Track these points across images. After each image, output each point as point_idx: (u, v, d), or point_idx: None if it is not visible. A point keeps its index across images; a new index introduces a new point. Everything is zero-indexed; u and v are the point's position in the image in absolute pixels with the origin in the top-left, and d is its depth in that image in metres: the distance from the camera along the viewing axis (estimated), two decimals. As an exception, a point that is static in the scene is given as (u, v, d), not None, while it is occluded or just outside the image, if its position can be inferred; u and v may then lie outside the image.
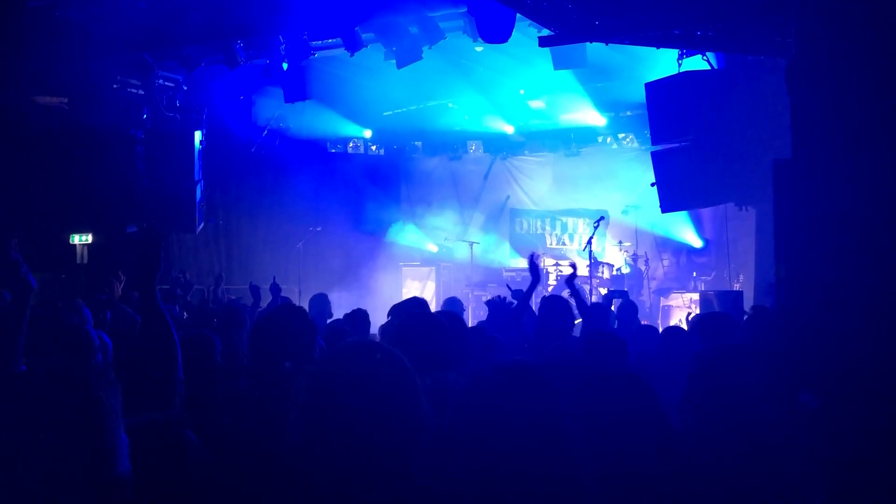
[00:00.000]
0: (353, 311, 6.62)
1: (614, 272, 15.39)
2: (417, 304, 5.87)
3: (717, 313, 6.83)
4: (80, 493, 1.89)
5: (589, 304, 7.63)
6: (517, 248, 18.47)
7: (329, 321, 7.20)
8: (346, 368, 2.04)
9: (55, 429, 1.90)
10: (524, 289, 6.87)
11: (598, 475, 2.95)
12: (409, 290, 16.64)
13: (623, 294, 11.13)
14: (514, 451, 2.07)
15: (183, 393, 3.05)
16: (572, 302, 7.58)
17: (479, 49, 13.01)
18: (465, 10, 10.65)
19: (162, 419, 2.63)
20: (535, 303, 7.15)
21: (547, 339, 5.63)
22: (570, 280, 7.00)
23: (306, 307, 7.45)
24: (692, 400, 3.47)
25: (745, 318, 5.77)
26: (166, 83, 12.99)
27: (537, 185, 18.64)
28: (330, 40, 11.76)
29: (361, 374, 2.02)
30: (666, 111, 10.50)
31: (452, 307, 7.55)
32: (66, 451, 1.90)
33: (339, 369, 2.05)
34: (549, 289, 14.70)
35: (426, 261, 17.96)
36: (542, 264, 14.85)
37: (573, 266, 7.25)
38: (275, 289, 8.89)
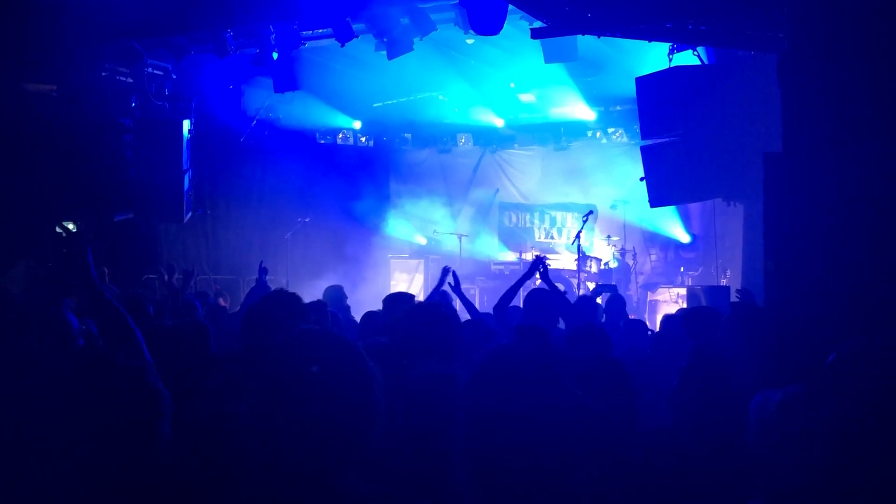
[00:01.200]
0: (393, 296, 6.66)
1: (602, 266, 15.42)
2: (407, 297, 5.91)
3: (704, 308, 6.84)
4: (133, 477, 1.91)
5: (571, 298, 7.60)
6: (506, 242, 18.49)
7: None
8: (297, 356, 2.05)
9: (114, 416, 1.93)
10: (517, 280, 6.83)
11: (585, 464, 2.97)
12: (398, 282, 16.63)
13: (612, 288, 11.15)
14: (521, 433, 2.08)
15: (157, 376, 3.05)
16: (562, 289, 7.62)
17: (470, 41, 13.01)
18: (457, 1, 10.64)
19: None
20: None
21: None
22: (543, 274, 6.91)
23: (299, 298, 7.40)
24: (682, 396, 3.49)
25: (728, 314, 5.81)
26: (155, 71, 12.90)
27: (526, 179, 18.66)
28: (320, 30, 11.70)
29: (311, 362, 2.02)
30: (656, 106, 10.52)
31: (441, 301, 7.58)
32: (121, 438, 1.92)
33: (289, 357, 2.05)
34: (537, 283, 14.72)
35: (415, 253, 17.96)
36: (528, 257, 14.88)
37: (540, 259, 7.10)
38: (262, 272, 8.85)
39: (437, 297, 6.54)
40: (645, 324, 6.86)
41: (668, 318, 6.82)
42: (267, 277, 8.91)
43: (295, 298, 3.36)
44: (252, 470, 1.98)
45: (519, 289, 6.52)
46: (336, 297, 7.85)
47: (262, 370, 2.07)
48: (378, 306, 6.22)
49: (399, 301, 5.43)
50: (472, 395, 2.14)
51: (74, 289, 3.48)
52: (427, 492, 2.66)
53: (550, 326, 5.78)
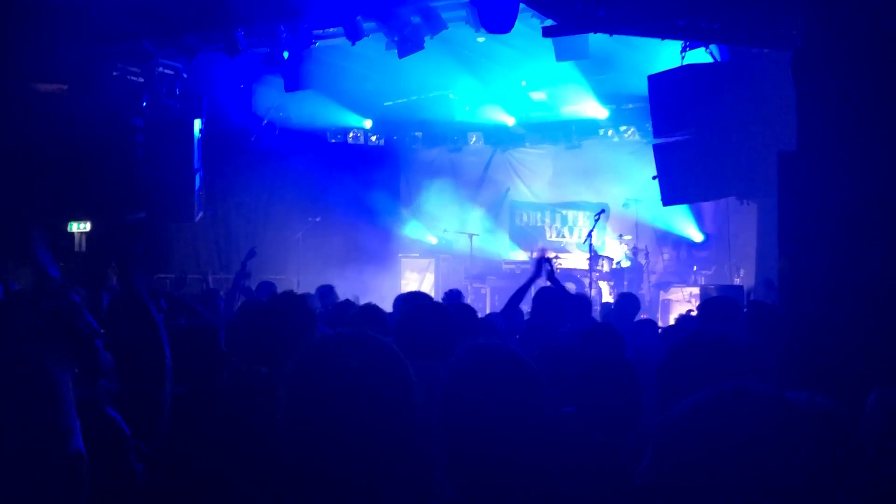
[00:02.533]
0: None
1: (614, 266, 15.35)
2: (419, 296, 5.87)
3: (721, 297, 6.76)
4: (38, 470, 1.88)
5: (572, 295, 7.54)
6: (517, 241, 18.44)
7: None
8: (331, 360, 2.00)
9: (9, 408, 1.89)
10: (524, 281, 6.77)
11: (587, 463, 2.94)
12: (408, 281, 16.61)
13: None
14: (496, 433, 2.05)
15: (171, 375, 3.03)
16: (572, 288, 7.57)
17: (480, 40, 12.96)
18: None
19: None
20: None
21: (539, 332, 5.62)
22: (550, 275, 6.85)
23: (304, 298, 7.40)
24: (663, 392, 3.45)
25: (743, 315, 5.74)
26: (166, 71, 12.93)
27: (537, 178, 18.59)
28: (331, 29, 11.68)
29: (349, 366, 1.98)
30: (668, 104, 10.46)
31: (453, 299, 7.54)
32: (22, 430, 1.88)
33: (323, 361, 2.01)
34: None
35: (425, 252, 17.93)
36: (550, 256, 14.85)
37: (543, 257, 7.00)
38: (249, 255, 8.84)
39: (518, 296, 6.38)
40: (656, 323, 6.80)
41: (682, 319, 6.76)
42: (250, 261, 8.91)
43: (300, 300, 3.34)
44: (289, 475, 1.94)
45: (528, 289, 6.47)
46: (326, 296, 7.83)
47: (300, 376, 2.02)
48: (389, 306, 6.20)
49: (410, 300, 5.41)
50: (449, 394, 2.11)
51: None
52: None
53: (560, 325, 5.74)
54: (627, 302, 7.97)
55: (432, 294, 15.17)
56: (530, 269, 6.81)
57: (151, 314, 3.04)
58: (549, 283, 6.78)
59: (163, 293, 7.97)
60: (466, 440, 2.06)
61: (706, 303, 5.27)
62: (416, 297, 5.55)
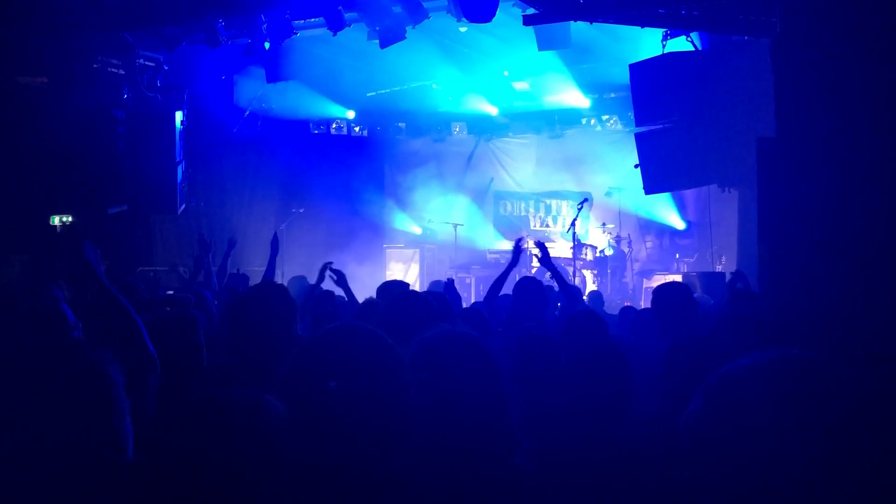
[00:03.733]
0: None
1: (598, 254, 15.42)
2: (400, 284, 5.88)
3: (672, 283, 6.71)
4: (92, 475, 1.85)
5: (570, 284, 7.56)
6: (501, 231, 18.47)
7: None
8: (329, 352, 2.02)
9: (64, 408, 1.86)
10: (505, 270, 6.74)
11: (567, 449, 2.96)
12: (393, 271, 16.60)
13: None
14: (457, 420, 2.07)
15: (158, 371, 3.02)
16: (554, 284, 7.56)
17: (463, 29, 12.95)
18: (450, -11, 10.60)
19: None
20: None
21: (520, 320, 5.64)
22: (546, 260, 6.82)
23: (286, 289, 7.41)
24: (666, 384, 3.48)
25: (723, 301, 5.77)
26: (147, 63, 12.85)
27: (521, 167, 18.63)
28: (312, 19, 11.65)
29: (345, 358, 2.00)
30: (650, 92, 10.51)
31: (438, 289, 7.55)
32: (76, 432, 1.85)
33: (322, 353, 2.03)
34: (533, 270, 14.70)
35: (410, 242, 17.95)
36: (526, 245, 14.86)
37: (540, 245, 6.87)
38: (230, 244, 8.84)
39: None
40: (635, 311, 6.82)
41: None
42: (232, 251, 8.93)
43: (281, 289, 3.35)
44: (284, 466, 1.95)
45: (507, 277, 6.45)
46: (300, 288, 7.82)
47: (298, 366, 2.04)
48: (373, 296, 6.22)
49: (392, 288, 5.43)
50: (415, 378, 2.14)
51: (73, 279, 3.46)
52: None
53: (543, 313, 5.75)
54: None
55: (416, 284, 15.21)
56: (510, 257, 6.76)
57: (124, 306, 3.03)
58: (532, 272, 6.79)
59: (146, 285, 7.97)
60: (426, 424, 2.09)
61: (658, 290, 5.19)
62: (397, 286, 5.58)
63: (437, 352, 2.19)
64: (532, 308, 5.72)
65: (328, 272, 6.85)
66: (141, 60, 12.68)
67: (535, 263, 15.33)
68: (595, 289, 13.33)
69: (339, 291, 6.97)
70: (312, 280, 7.16)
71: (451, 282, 7.66)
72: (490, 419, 2.12)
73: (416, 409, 2.08)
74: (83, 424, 1.88)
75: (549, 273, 6.66)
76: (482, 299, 6.92)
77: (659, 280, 14.60)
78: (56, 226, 11.51)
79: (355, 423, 1.94)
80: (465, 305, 7.76)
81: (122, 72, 12.47)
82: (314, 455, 1.92)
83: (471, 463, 2.07)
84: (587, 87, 16.09)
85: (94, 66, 12.07)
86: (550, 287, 7.62)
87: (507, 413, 2.17)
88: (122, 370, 2.03)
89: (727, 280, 8.72)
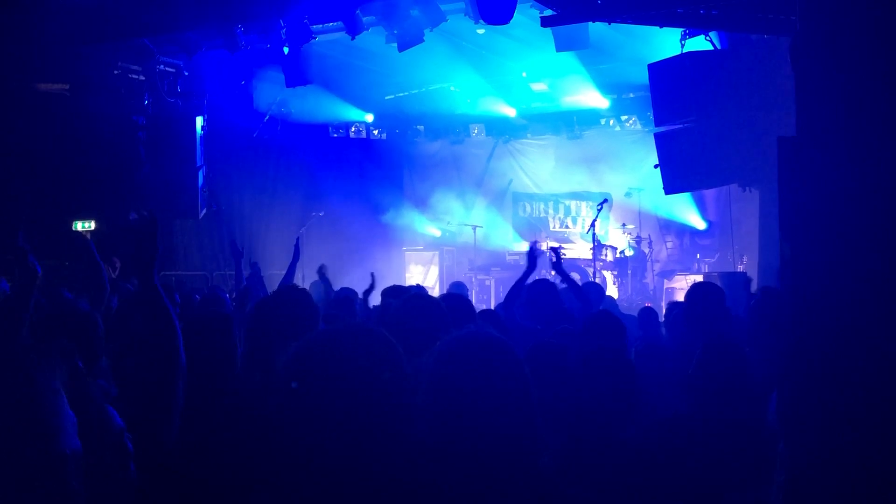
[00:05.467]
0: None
1: (618, 255, 15.36)
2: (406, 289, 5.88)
3: (706, 283, 6.71)
4: (23, 469, 1.89)
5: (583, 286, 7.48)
6: (520, 232, 18.44)
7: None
8: (329, 352, 2.03)
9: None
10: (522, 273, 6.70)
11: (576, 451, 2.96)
12: (413, 274, 16.63)
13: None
14: (481, 422, 2.07)
15: (185, 379, 3.02)
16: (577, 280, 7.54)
17: (480, 31, 12.95)
18: (466, -9, 10.61)
19: None
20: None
21: (536, 322, 5.63)
22: (557, 265, 6.70)
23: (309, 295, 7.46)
24: (698, 383, 3.47)
25: (753, 301, 5.71)
26: (167, 68, 12.95)
27: (540, 169, 18.58)
28: (331, 24, 11.69)
29: (345, 358, 2.01)
30: (669, 92, 10.46)
31: (458, 291, 7.54)
32: (4, 429, 1.90)
33: (321, 353, 2.04)
34: (552, 273, 14.67)
35: (429, 245, 17.95)
36: (544, 247, 14.84)
37: (555, 251, 6.85)
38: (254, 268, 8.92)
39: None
40: (656, 312, 6.79)
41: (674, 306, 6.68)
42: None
43: (304, 294, 3.34)
44: (286, 468, 1.97)
45: (524, 283, 6.40)
46: (319, 293, 7.86)
47: (295, 368, 2.05)
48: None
49: (395, 294, 5.43)
50: (430, 384, 2.14)
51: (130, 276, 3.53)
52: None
53: (555, 317, 5.72)
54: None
55: (436, 286, 15.22)
56: (525, 262, 6.69)
57: (168, 310, 3.04)
58: (551, 275, 6.76)
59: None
60: (451, 426, 2.08)
61: (693, 288, 5.22)
62: (405, 291, 5.57)
63: (464, 352, 2.18)
64: (547, 311, 5.71)
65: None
66: (161, 66, 12.78)
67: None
68: (611, 292, 13.26)
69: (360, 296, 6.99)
70: (344, 283, 7.20)
71: (460, 284, 7.62)
72: (519, 420, 2.12)
73: (439, 410, 2.08)
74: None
75: (576, 274, 6.65)
76: (501, 302, 6.90)
77: (680, 280, 14.55)
78: (79, 231, 11.61)
79: (349, 421, 1.95)
80: (484, 307, 7.74)
81: (142, 78, 12.57)
82: (307, 451, 1.94)
83: (500, 465, 2.07)
84: (606, 87, 16.04)
85: (115, 72, 12.18)
86: (566, 289, 7.59)
87: (534, 414, 2.17)
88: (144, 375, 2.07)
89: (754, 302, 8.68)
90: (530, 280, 6.39)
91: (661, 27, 8.94)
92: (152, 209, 2.90)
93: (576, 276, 7.32)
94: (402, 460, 1.97)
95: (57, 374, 2.07)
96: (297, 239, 9.08)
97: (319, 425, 1.93)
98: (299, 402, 1.96)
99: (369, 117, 18.00)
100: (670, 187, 11.00)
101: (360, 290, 7.20)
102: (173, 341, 2.98)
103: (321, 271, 7.73)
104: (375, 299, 7.04)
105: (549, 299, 5.92)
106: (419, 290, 6.30)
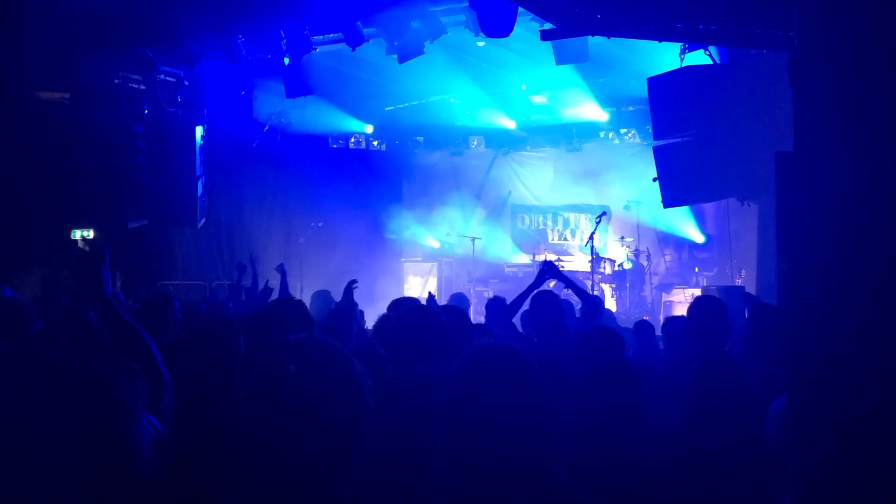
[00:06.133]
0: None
1: (616, 268, 15.37)
2: (411, 300, 5.89)
3: (707, 297, 6.71)
4: (99, 493, 1.88)
5: (588, 292, 7.48)
6: (519, 244, 18.45)
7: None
8: (286, 364, 2.06)
9: (71, 426, 1.90)
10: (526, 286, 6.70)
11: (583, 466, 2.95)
12: (411, 285, 16.63)
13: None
14: (500, 435, 2.07)
15: (170, 390, 3.03)
16: (572, 298, 7.52)
17: (480, 44, 12.99)
18: (467, 4, 10.63)
19: None
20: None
21: (539, 336, 5.63)
22: (559, 277, 6.73)
23: (307, 303, 7.44)
24: (695, 398, 3.47)
25: (746, 318, 5.71)
26: (167, 78, 12.97)
27: (539, 181, 18.61)
28: (331, 35, 11.73)
29: (303, 369, 2.03)
30: (668, 106, 10.48)
31: (458, 303, 7.53)
32: (82, 450, 1.88)
33: (278, 365, 2.06)
34: (551, 284, 14.65)
35: (428, 256, 17.95)
36: (542, 258, 14.84)
37: (549, 265, 6.87)
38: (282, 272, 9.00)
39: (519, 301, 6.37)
40: (652, 326, 6.78)
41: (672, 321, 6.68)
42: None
43: (299, 305, 3.35)
44: (244, 476, 2.00)
45: (527, 297, 6.42)
46: (324, 301, 7.83)
47: (254, 377, 2.09)
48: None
49: (400, 305, 5.43)
50: (452, 395, 2.15)
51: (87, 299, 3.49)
52: (411, 494, 2.68)
53: (558, 330, 5.73)
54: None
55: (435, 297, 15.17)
56: (536, 272, 6.68)
57: (136, 330, 3.05)
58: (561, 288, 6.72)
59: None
60: (472, 439, 2.09)
61: (695, 302, 5.23)
62: (406, 303, 5.58)
63: (483, 365, 2.19)
64: (549, 324, 5.71)
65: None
66: (161, 76, 12.81)
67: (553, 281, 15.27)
68: (609, 305, 13.25)
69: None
70: (336, 295, 7.16)
71: (431, 297, 7.61)
72: (537, 433, 2.13)
73: (461, 424, 2.10)
74: (91, 444, 1.91)
75: (567, 289, 6.64)
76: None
77: (678, 294, 14.55)
78: (77, 240, 11.61)
79: (309, 432, 1.97)
80: (482, 319, 7.72)
81: (142, 87, 12.60)
82: (265, 462, 1.96)
83: (518, 479, 2.08)
84: (605, 100, 16.09)
85: (115, 81, 12.20)
86: (567, 300, 7.59)
87: (553, 427, 2.18)
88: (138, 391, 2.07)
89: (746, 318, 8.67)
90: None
91: (660, 42, 8.95)
92: (102, 245, 2.94)
93: (568, 291, 7.29)
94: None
95: (139, 395, 2.08)
96: (282, 264, 9.21)
97: (271, 431, 1.96)
98: (255, 408, 2.00)
99: (369, 128, 18.03)
100: (669, 201, 11.01)
101: (358, 301, 7.16)
102: (148, 357, 3.00)
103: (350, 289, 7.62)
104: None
105: (552, 312, 5.91)
106: (431, 301, 6.31)
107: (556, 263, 6.93)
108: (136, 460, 1.99)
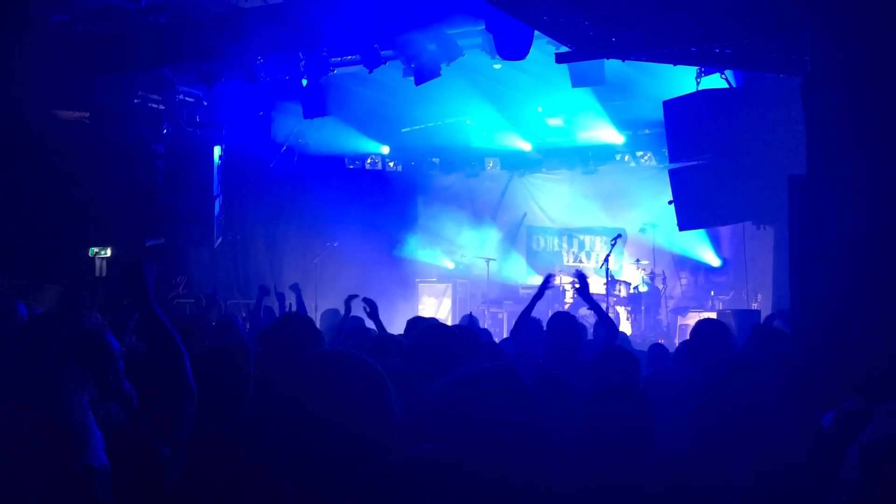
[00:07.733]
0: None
1: (631, 291, 15.33)
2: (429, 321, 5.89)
3: (709, 320, 6.69)
4: (50, 481, 1.95)
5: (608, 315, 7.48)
6: (534, 266, 18.43)
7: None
8: (313, 377, 2.06)
9: (18, 423, 1.97)
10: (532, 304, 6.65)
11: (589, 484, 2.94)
12: (426, 306, 16.63)
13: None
14: (489, 455, 2.08)
15: (195, 401, 3.06)
16: (590, 318, 7.50)
17: (497, 66, 13.06)
18: (484, 27, 10.70)
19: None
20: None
21: (556, 357, 5.62)
22: (584, 292, 6.68)
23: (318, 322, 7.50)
24: (704, 418, 3.46)
25: (746, 339, 5.69)
26: (186, 98, 13.11)
27: (554, 203, 18.60)
28: (349, 57, 11.84)
29: (328, 382, 2.04)
30: (684, 129, 10.48)
31: (470, 324, 7.54)
32: (29, 443, 1.96)
33: (307, 377, 2.07)
34: (566, 306, 14.64)
35: (442, 277, 17.96)
36: (559, 282, 14.80)
37: (580, 275, 6.71)
38: (297, 292, 9.04)
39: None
40: (667, 349, 6.76)
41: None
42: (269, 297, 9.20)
43: (308, 322, 3.38)
44: (271, 488, 2.00)
45: (531, 311, 6.41)
46: (332, 321, 7.85)
47: (280, 392, 2.09)
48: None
49: (418, 324, 5.45)
50: (436, 420, 2.16)
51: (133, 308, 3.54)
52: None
53: (574, 351, 5.72)
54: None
55: (448, 319, 15.20)
56: (553, 292, 6.70)
57: (173, 337, 3.08)
58: (567, 306, 6.75)
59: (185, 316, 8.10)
60: (453, 454, 2.11)
61: (697, 325, 5.23)
62: (426, 322, 5.59)
63: (477, 386, 2.20)
64: (567, 345, 5.70)
65: (362, 304, 6.85)
66: (181, 96, 12.94)
67: (569, 299, 15.27)
68: (624, 328, 13.20)
69: (370, 324, 6.99)
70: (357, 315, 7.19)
71: (472, 317, 7.62)
72: (530, 455, 2.13)
73: (455, 443, 2.10)
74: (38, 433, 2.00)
75: (586, 307, 6.61)
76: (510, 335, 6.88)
77: (694, 317, 14.46)
78: (94, 256, 11.71)
79: (337, 447, 1.98)
80: (497, 340, 7.71)
81: (161, 107, 12.73)
82: (294, 475, 1.97)
83: (510, 498, 2.08)
84: (621, 123, 16.10)
85: (135, 101, 12.34)
86: (583, 323, 7.57)
87: (546, 448, 2.18)
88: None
89: (762, 320, 8.61)
90: (547, 312, 6.40)
91: (674, 65, 8.98)
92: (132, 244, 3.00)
93: (584, 310, 7.29)
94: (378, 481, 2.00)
95: (84, 392, 2.14)
96: (296, 284, 9.28)
97: (300, 444, 1.97)
98: (283, 423, 2.01)
99: (385, 149, 18.12)
100: (684, 224, 10.98)
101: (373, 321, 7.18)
102: (179, 366, 3.02)
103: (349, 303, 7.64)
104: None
105: (571, 331, 5.88)
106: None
107: (584, 276, 6.80)
108: (84, 450, 2.05)
